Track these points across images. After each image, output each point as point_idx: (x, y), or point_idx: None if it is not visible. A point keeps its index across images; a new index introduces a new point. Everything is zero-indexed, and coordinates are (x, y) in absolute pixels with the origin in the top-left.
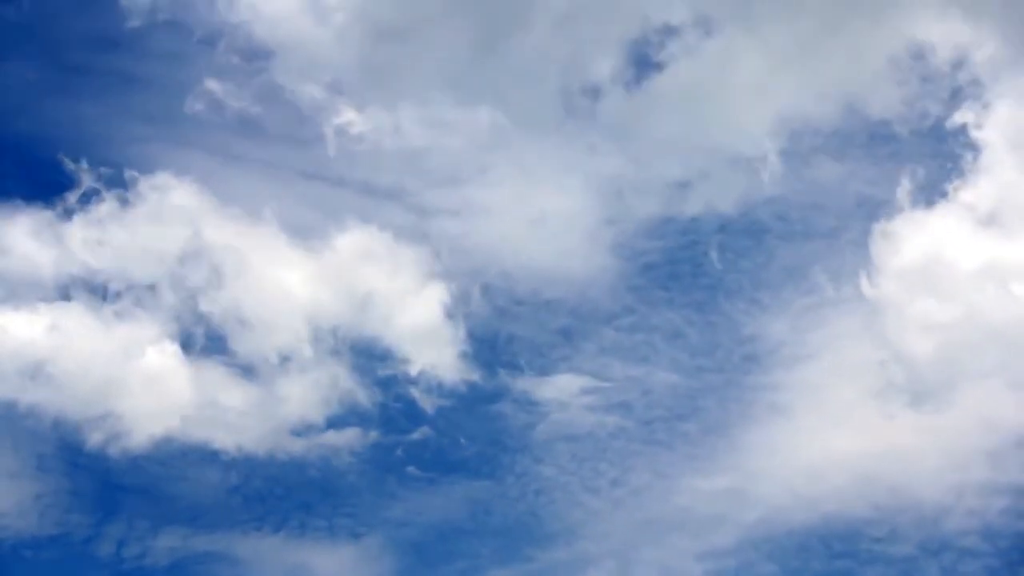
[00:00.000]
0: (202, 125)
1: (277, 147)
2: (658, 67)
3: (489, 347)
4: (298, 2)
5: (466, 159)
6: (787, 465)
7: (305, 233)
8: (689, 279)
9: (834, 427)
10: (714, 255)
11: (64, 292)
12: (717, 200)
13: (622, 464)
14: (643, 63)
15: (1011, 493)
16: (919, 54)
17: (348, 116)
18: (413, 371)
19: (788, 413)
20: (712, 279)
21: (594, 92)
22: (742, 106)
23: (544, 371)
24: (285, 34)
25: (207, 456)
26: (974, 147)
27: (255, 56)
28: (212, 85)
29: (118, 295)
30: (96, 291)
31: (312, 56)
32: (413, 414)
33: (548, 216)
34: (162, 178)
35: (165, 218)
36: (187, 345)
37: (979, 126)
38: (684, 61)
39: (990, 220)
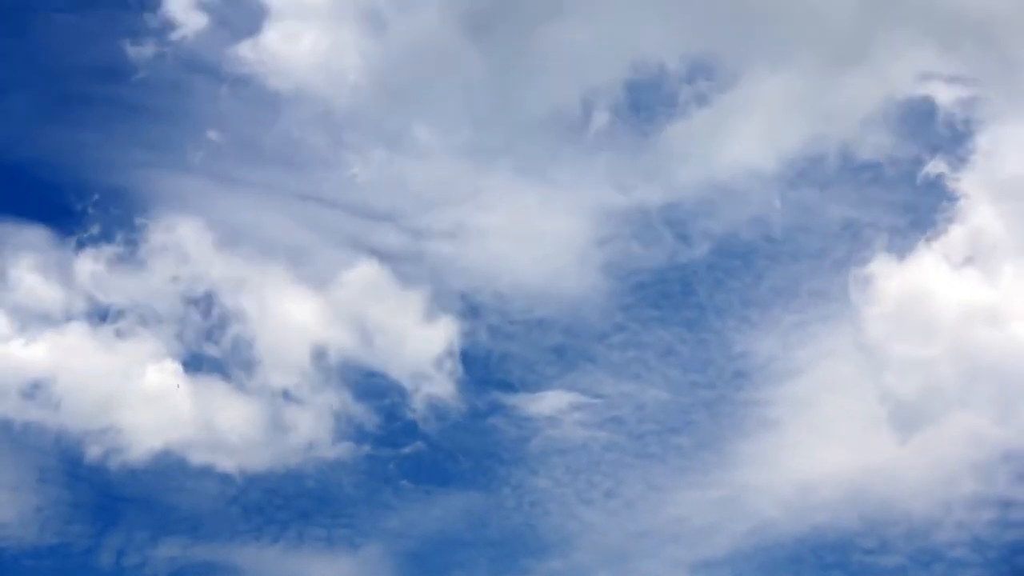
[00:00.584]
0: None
1: (276, 171)
2: (656, 104)
3: (483, 365)
4: (314, 59)
5: (460, 182)
6: (778, 478)
7: (302, 258)
8: (680, 298)
9: (823, 441)
10: (704, 275)
11: (68, 317)
12: (706, 224)
13: (616, 476)
14: (639, 99)
15: (998, 506)
16: (907, 104)
17: (348, 156)
18: (408, 388)
19: (778, 427)
20: (702, 298)
21: (587, 123)
22: (737, 142)
23: (537, 387)
24: (296, 84)
25: (206, 468)
26: (951, 195)
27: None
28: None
29: (120, 317)
30: (99, 315)
31: (318, 105)
32: (407, 430)
33: (540, 237)
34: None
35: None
36: (188, 363)
37: (957, 176)
38: (681, 100)
39: (967, 261)
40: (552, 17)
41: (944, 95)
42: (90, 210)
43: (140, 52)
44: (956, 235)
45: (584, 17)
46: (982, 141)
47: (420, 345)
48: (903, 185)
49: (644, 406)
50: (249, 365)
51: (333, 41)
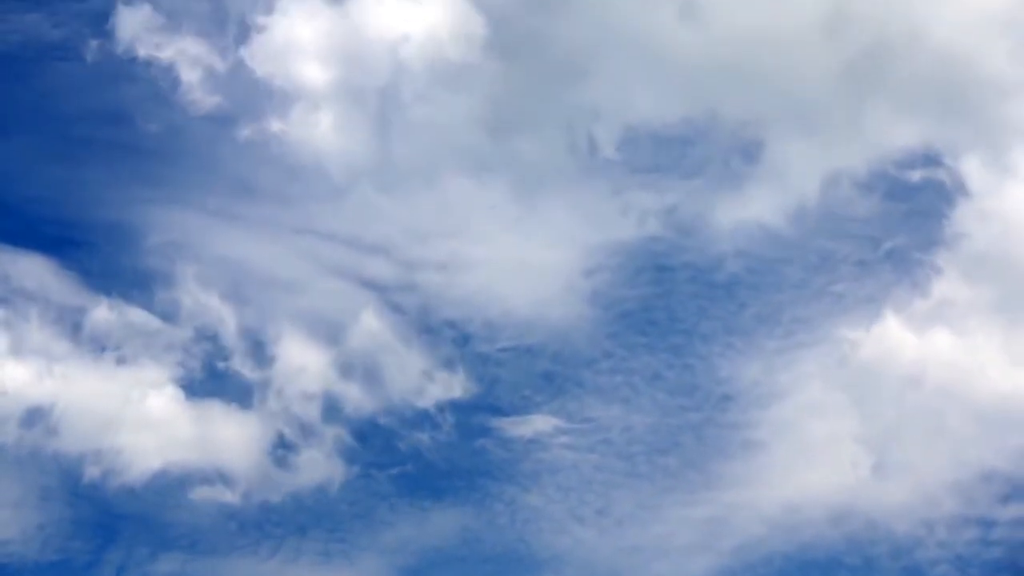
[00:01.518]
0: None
1: (270, 206)
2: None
3: (473, 390)
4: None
5: (452, 215)
6: (763, 497)
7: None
8: (666, 325)
9: (807, 462)
10: (688, 304)
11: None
12: (689, 256)
13: (607, 496)
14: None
15: (979, 525)
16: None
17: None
18: (399, 409)
19: (763, 449)
20: (687, 325)
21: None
22: None
23: (526, 411)
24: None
25: (204, 485)
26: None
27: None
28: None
29: (121, 345)
30: (99, 343)
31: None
32: (400, 449)
33: (529, 269)
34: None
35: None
36: (188, 388)
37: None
38: None
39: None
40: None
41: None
42: (91, 242)
43: (140, 99)
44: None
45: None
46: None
47: (411, 373)
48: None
49: (632, 428)
50: (248, 390)
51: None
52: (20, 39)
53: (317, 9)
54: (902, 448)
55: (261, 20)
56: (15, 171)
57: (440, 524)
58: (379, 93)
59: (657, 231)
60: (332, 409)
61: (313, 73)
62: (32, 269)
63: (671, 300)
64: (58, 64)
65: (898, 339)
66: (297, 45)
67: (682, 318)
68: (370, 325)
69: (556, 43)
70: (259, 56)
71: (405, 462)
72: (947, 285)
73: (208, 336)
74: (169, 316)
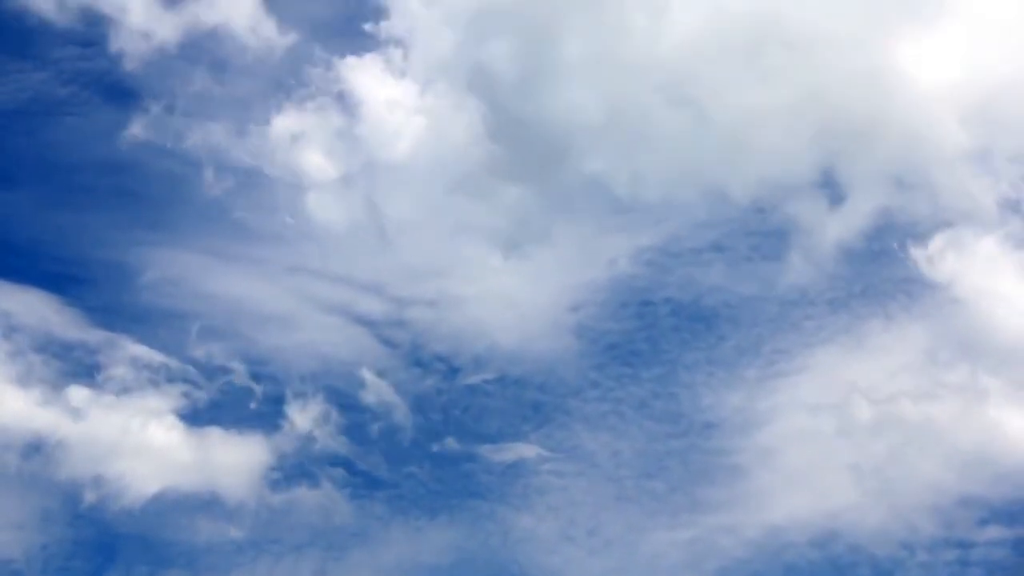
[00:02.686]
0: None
1: (263, 247)
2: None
3: (459, 419)
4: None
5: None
6: (747, 521)
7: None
8: (649, 356)
9: (789, 487)
10: (672, 337)
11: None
12: (672, 292)
13: (596, 517)
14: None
15: (958, 547)
16: None
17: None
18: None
19: (745, 474)
20: (670, 356)
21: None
22: None
23: (516, 438)
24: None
25: (202, 505)
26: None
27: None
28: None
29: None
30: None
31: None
32: (393, 473)
33: (516, 305)
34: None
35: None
36: (187, 417)
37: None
38: None
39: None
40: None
41: None
42: (93, 280)
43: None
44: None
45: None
46: None
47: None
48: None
49: (620, 453)
50: (245, 418)
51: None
52: (29, 96)
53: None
54: (882, 473)
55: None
56: (21, 215)
57: (434, 543)
58: (376, 169)
59: (638, 269)
60: (327, 433)
61: (314, 159)
62: (36, 305)
63: (654, 333)
64: (64, 119)
65: (875, 368)
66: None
67: (665, 349)
68: (361, 357)
69: (548, 124)
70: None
71: (399, 484)
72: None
73: (206, 367)
74: (168, 349)
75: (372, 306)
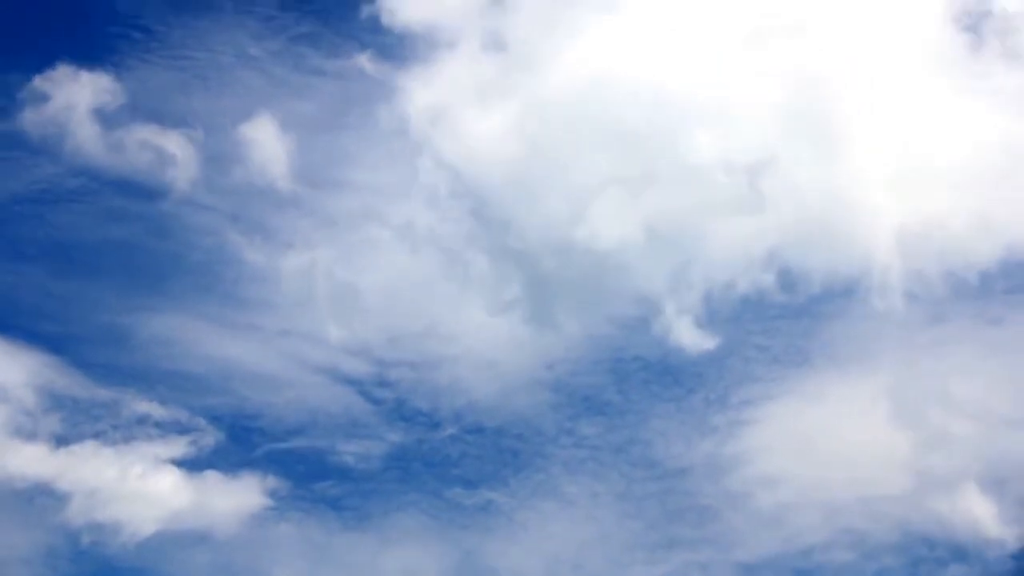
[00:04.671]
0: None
1: (252, 313)
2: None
3: (441, 466)
4: None
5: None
6: (719, 559)
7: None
8: (624, 406)
9: (759, 527)
10: (642, 390)
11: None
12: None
13: (580, 554)
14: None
15: None
16: None
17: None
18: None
19: (716, 515)
20: (642, 406)
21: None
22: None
23: (496, 481)
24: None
25: (198, 540)
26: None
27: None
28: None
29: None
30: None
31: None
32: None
33: (494, 365)
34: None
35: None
36: (184, 464)
37: None
38: None
39: None
40: None
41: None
42: (94, 340)
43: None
44: None
45: None
46: None
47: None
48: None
49: (599, 495)
50: (239, 463)
51: None
52: (42, 187)
53: None
54: (847, 513)
55: None
56: (28, 285)
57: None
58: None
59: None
60: (313, 475)
61: None
62: (41, 363)
63: (626, 386)
64: (72, 205)
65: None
66: None
67: (636, 400)
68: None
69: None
70: None
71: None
72: None
73: (202, 419)
74: (166, 404)
75: (357, 367)
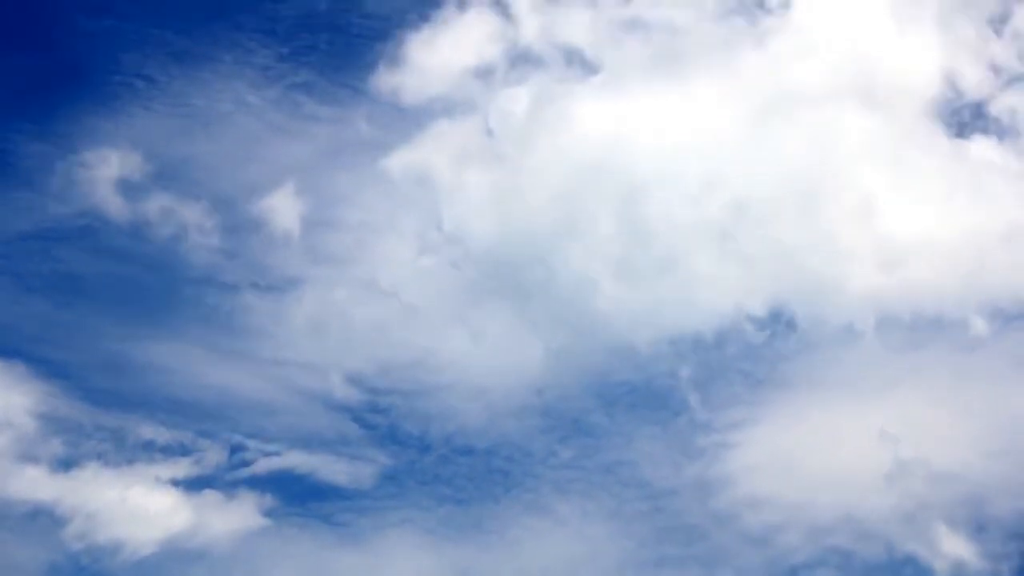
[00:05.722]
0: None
1: (250, 342)
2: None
3: (434, 486)
4: None
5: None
6: None
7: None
8: (612, 428)
9: (746, 548)
10: (628, 412)
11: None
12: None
13: (572, 570)
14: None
15: None
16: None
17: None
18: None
19: (704, 536)
20: (630, 429)
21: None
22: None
23: (485, 499)
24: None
25: (195, 558)
26: None
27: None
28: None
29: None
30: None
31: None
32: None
33: (484, 392)
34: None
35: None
36: (182, 484)
37: None
38: None
39: None
40: None
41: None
42: (92, 366)
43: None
44: None
45: None
46: None
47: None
48: None
49: (590, 514)
50: (235, 484)
51: None
52: (49, 226)
53: None
54: (833, 533)
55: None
56: (32, 316)
57: None
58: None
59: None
60: (308, 494)
61: None
62: (44, 390)
63: (613, 410)
64: (77, 242)
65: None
66: None
67: (623, 423)
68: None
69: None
70: None
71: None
72: None
73: (200, 441)
74: (165, 425)
75: (349, 394)
